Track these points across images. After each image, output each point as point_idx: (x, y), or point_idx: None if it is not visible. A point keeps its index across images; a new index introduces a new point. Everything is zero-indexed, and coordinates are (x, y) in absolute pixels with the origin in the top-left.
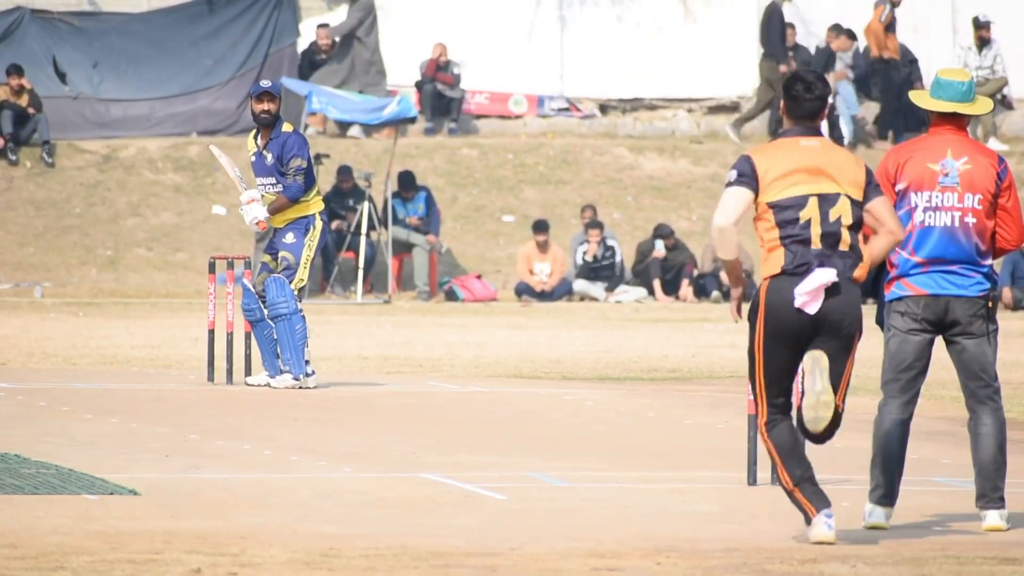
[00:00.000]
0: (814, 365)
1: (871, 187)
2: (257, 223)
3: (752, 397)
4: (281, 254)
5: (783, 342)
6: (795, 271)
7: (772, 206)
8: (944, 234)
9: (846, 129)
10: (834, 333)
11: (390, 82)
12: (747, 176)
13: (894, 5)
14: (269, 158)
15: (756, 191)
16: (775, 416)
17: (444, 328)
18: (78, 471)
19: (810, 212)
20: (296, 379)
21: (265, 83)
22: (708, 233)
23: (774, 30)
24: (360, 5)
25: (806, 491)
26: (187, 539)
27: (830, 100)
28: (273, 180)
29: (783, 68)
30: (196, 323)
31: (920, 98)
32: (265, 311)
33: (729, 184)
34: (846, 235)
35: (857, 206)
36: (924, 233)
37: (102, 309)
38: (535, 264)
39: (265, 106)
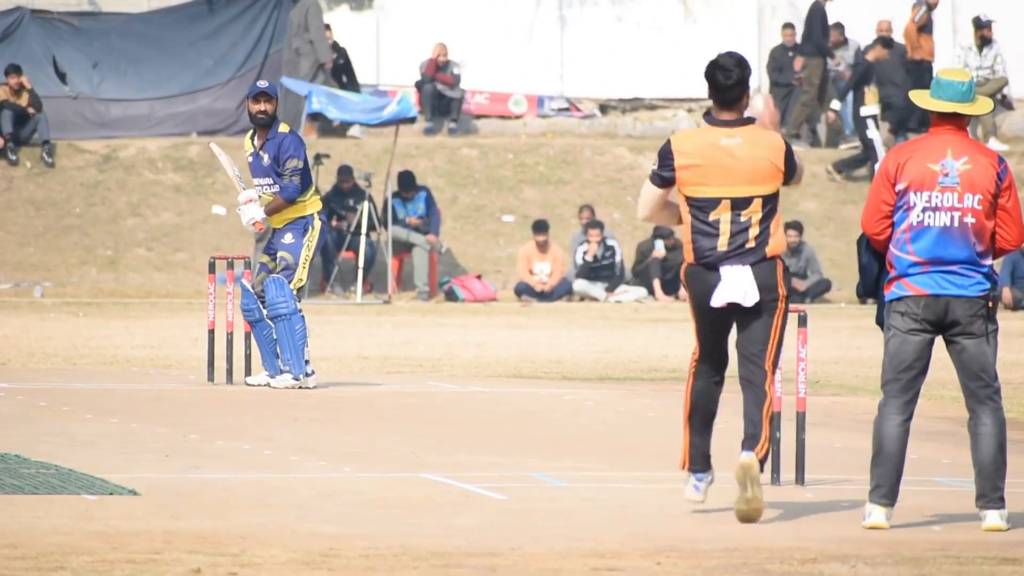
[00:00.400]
0: (744, 475)
1: (789, 162)
2: (254, 223)
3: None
4: (280, 254)
5: (707, 320)
6: (704, 263)
7: (687, 200)
8: (944, 234)
9: (846, 129)
10: (752, 308)
11: (390, 82)
12: (666, 168)
13: (931, 7)
14: (266, 159)
15: (672, 182)
16: (706, 365)
17: (444, 328)
18: (78, 471)
19: (721, 213)
20: (296, 379)
21: (262, 83)
22: None
23: (816, 29)
24: (302, 5)
25: (693, 443)
26: (187, 539)
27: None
28: (270, 181)
29: (834, 61)
30: (196, 323)
31: (920, 98)
32: (264, 311)
33: (651, 175)
34: (754, 231)
35: (772, 198)
36: (923, 233)
37: (102, 309)
38: (535, 264)
39: (262, 106)
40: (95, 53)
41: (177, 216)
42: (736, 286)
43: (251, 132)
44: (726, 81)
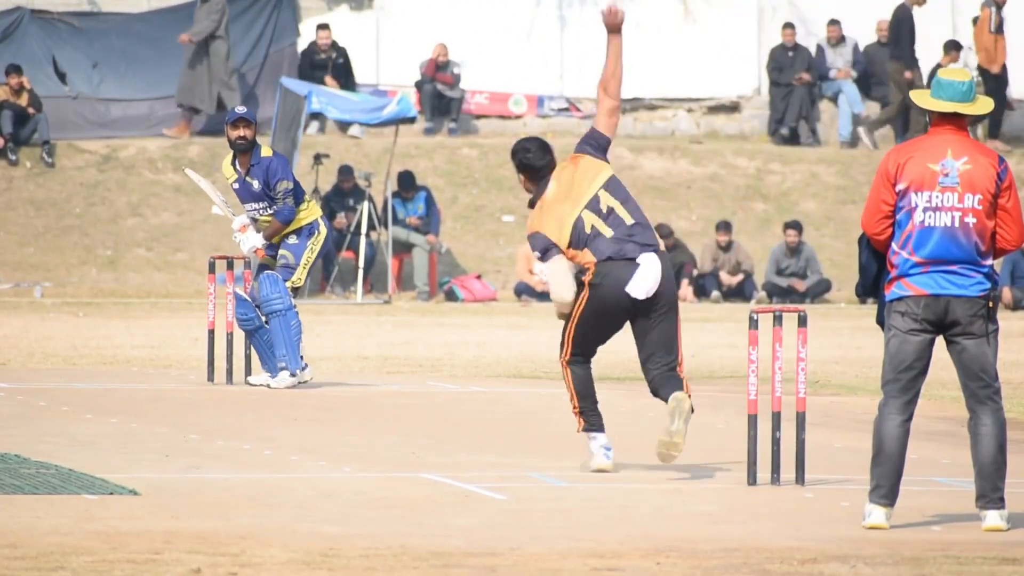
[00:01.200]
0: (677, 407)
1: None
2: (255, 251)
3: (561, 340)
4: (281, 252)
5: (604, 319)
6: (617, 257)
7: (569, 246)
8: (944, 234)
9: (845, 129)
10: (653, 309)
11: (390, 82)
12: (551, 245)
13: (999, 6)
14: (255, 184)
15: (560, 249)
16: (577, 357)
17: (444, 328)
18: (78, 471)
19: (589, 221)
20: (293, 375)
21: (240, 109)
22: (708, 233)
23: (904, 33)
24: (212, 5)
25: (588, 417)
26: (187, 539)
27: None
28: (264, 204)
29: (908, 75)
30: (196, 323)
31: (920, 98)
32: (262, 317)
33: (546, 258)
34: (622, 211)
35: (613, 181)
36: (924, 233)
37: (102, 309)
38: (535, 264)
39: (241, 132)
40: (95, 53)
41: (177, 216)
42: (654, 271)
43: (231, 158)
44: (536, 156)
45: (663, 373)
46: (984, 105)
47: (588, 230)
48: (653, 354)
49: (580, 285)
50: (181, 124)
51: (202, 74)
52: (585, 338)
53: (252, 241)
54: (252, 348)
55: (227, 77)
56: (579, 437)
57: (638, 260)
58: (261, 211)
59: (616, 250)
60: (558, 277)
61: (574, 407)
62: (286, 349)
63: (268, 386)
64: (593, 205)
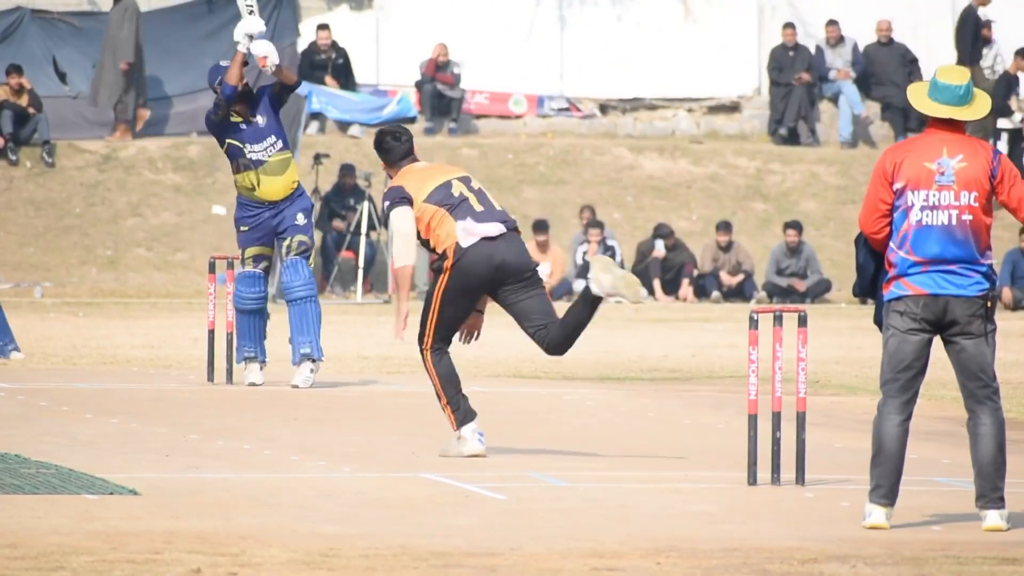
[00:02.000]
0: (604, 264)
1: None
2: (264, 58)
3: (421, 329)
4: (299, 238)
5: (468, 294)
6: (478, 232)
7: (427, 199)
8: (943, 233)
9: (845, 129)
10: (518, 278)
11: (390, 82)
12: (404, 196)
13: None
14: (261, 120)
15: (412, 203)
16: (440, 346)
17: None
18: (78, 471)
19: (459, 188)
20: (315, 361)
21: (225, 63)
22: (708, 233)
23: (967, 34)
24: (121, 6)
25: (456, 408)
26: (187, 539)
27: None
28: (273, 139)
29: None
30: (196, 323)
31: (917, 100)
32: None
33: (393, 207)
34: (491, 198)
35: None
36: (922, 232)
37: (102, 309)
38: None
39: (246, 79)
40: (95, 53)
41: (177, 216)
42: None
43: (223, 111)
44: (395, 141)
45: (552, 320)
46: (981, 107)
47: (456, 193)
48: (533, 317)
49: (439, 271)
50: (121, 127)
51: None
52: (447, 321)
53: (267, 49)
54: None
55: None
56: (579, 437)
57: (501, 235)
58: (272, 149)
59: (480, 224)
60: (403, 233)
61: (444, 402)
62: (315, 337)
63: (296, 387)
64: (466, 180)
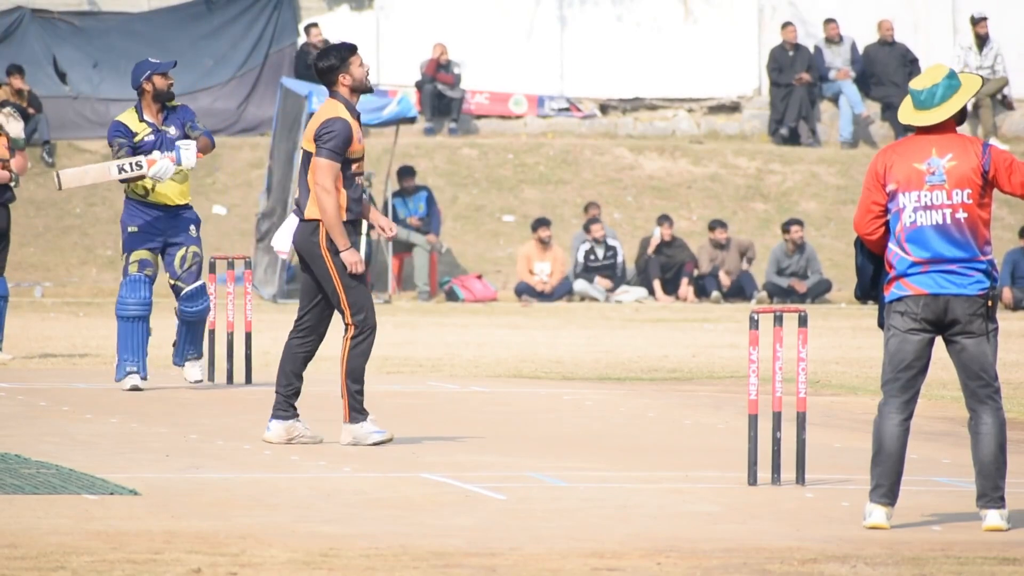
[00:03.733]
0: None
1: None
2: (180, 169)
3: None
4: (193, 250)
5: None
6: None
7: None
8: (939, 232)
9: (846, 129)
10: (308, 262)
11: (390, 82)
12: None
13: None
14: (172, 131)
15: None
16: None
17: (444, 328)
18: (78, 471)
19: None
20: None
21: (155, 60)
22: (707, 233)
23: None
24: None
25: (362, 403)
26: (187, 539)
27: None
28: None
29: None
30: None
31: (901, 109)
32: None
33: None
34: (308, 181)
35: (309, 156)
36: (918, 233)
37: (102, 309)
38: (535, 264)
39: (171, 81)
40: (95, 53)
41: None
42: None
43: (133, 113)
44: (318, 61)
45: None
46: (942, 112)
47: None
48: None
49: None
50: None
51: None
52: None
53: (187, 158)
54: (252, 348)
55: None
56: (579, 437)
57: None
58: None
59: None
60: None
61: (357, 393)
62: (199, 349)
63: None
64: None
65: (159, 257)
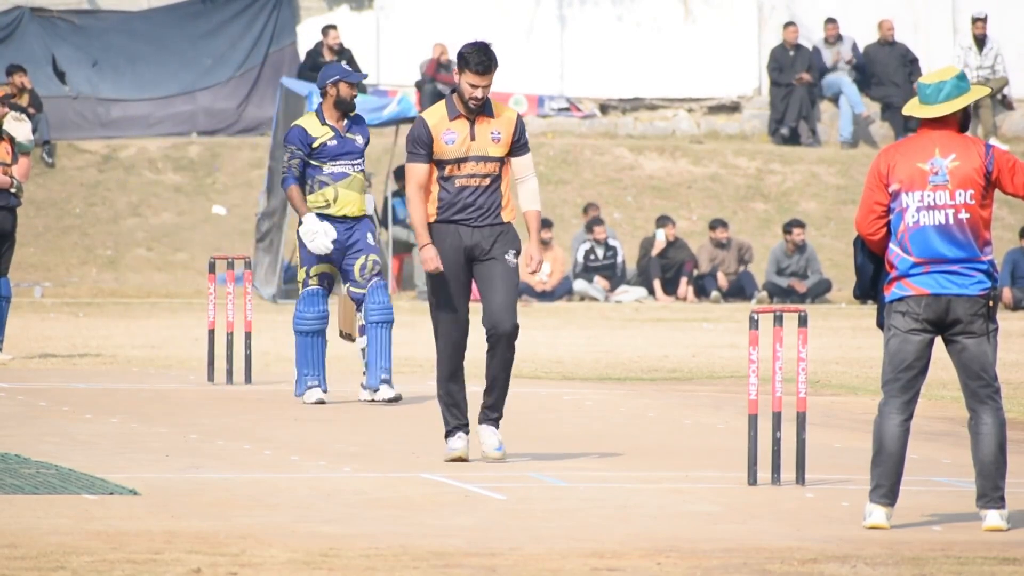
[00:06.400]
0: None
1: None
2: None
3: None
4: (373, 258)
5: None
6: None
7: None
8: (940, 232)
9: (846, 129)
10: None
11: (390, 82)
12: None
13: None
14: (359, 140)
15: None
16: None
17: None
18: (78, 471)
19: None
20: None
21: (356, 73)
22: (707, 233)
23: None
24: None
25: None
26: (187, 539)
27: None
28: (360, 160)
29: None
30: (196, 323)
31: (907, 104)
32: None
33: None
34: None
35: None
36: (920, 233)
37: (102, 309)
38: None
39: (355, 92)
40: (94, 52)
41: (177, 216)
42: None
43: (313, 118)
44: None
45: None
46: (947, 106)
47: None
48: None
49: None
50: None
51: None
52: None
53: (317, 248)
54: (252, 348)
55: None
56: (579, 437)
57: None
58: (357, 167)
59: None
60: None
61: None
62: (390, 362)
63: (375, 400)
64: None
65: (337, 269)
